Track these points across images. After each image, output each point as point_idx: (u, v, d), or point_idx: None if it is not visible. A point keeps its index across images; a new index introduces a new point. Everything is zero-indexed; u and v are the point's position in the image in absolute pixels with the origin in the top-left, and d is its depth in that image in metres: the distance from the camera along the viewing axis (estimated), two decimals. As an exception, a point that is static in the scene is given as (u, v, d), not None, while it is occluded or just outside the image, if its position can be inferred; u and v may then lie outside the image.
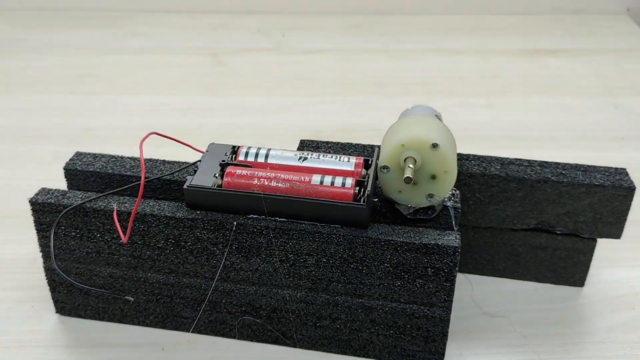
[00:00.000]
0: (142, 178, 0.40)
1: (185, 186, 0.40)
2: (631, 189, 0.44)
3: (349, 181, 0.40)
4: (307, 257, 0.41)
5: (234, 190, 0.40)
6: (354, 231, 0.40)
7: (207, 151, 0.43)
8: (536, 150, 0.67)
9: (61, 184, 0.46)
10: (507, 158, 0.47)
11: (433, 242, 0.39)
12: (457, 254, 0.39)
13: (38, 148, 0.66)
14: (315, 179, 0.40)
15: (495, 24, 0.96)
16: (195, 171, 0.41)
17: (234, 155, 0.43)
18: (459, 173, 0.45)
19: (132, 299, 0.45)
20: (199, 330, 0.46)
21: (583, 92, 0.78)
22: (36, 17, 0.95)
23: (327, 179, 0.40)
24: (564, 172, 0.45)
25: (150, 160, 0.46)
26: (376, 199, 0.42)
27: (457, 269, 0.39)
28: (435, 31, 0.94)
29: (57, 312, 0.47)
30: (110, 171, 0.45)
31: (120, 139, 0.68)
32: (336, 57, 0.86)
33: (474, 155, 0.47)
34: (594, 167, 0.46)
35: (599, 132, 0.71)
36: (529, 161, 0.46)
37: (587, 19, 0.97)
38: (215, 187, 0.40)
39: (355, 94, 0.78)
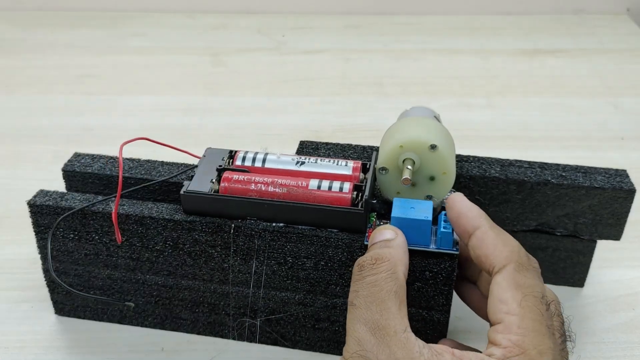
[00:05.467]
0: (120, 178, 0.40)
1: (182, 192, 0.40)
2: (631, 191, 0.44)
3: (347, 186, 0.40)
4: (305, 260, 0.41)
5: (231, 196, 0.40)
6: (352, 234, 0.40)
7: (204, 156, 0.43)
8: (536, 150, 0.67)
9: (61, 184, 0.46)
10: (507, 160, 0.47)
11: (431, 248, 0.39)
12: (455, 257, 0.39)
13: (38, 148, 0.66)
14: (313, 183, 0.40)
15: (495, 24, 0.95)
16: (192, 176, 0.41)
17: (231, 160, 0.42)
18: (459, 175, 0.45)
19: (133, 305, 0.45)
20: (198, 332, 0.46)
21: (583, 92, 0.78)
22: (36, 17, 0.95)
23: (325, 184, 0.40)
24: (564, 174, 0.45)
25: (149, 161, 0.46)
26: (374, 201, 0.42)
27: (456, 272, 0.39)
28: (435, 31, 0.93)
29: (56, 312, 0.47)
30: (108, 172, 0.45)
31: (120, 139, 0.67)
32: (336, 57, 0.86)
33: (473, 157, 0.47)
34: (595, 168, 0.46)
35: (599, 132, 0.71)
36: (529, 163, 0.46)
37: (587, 19, 0.97)
38: (212, 193, 0.40)
39: (355, 94, 0.77)
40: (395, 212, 0.38)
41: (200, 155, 0.43)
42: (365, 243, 0.39)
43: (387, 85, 0.79)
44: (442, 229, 0.38)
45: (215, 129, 0.70)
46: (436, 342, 0.36)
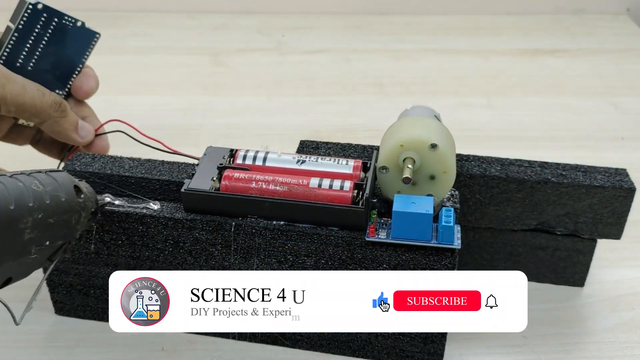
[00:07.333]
0: None
1: (182, 190, 0.40)
2: (631, 190, 0.44)
3: (347, 184, 0.40)
4: (305, 258, 0.41)
5: (231, 194, 0.40)
6: (352, 232, 0.40)
7: (205, 154, 0.43)
8: (536, 150, 0.67)
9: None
10: (507, 159, 0.47)
11: (432, 243, 0.39)
12: (455, 255, 0.39)
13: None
14: (314, 182, 0.40)
15: (496, 24, 0.95)
16: (193, 174, 0.41)
17: (231, 159, 0.43)
18: (459, 174, 0.45)
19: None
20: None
21: (583, 92, 0.78)
22: (36, 17, 0.95)
23: (326, 182, 0.40)
24: (564, 173, 0.45)
25: (149, 160, 0.46)
26: (375, 200, 0.42)
27: (456, 270, 0.39)
28: (435, 31, 0.93)
29: (56, 312, 0.47)
30: (109, 172, 0.45)
31: (119, 139, 0.68)
32: (336, 57, 0.86)
33: (474, 156, 0.47)
34: (594, 167, 0.46)
35: (599, 132, 0.71)
36: (529, 162, 0.46)
37: (587, 19, 0.97)
38: (213, 191, 0.40)
39: (355, 94, 0.78)
40: (397, 207, 0.38)
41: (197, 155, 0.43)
42: (366, 239, 0.39)
43: (387, 85, 0.79)
44: (443, 223, 0.38)
45: (215, 129, 0.70)
46: (438, 340, 0.36)
